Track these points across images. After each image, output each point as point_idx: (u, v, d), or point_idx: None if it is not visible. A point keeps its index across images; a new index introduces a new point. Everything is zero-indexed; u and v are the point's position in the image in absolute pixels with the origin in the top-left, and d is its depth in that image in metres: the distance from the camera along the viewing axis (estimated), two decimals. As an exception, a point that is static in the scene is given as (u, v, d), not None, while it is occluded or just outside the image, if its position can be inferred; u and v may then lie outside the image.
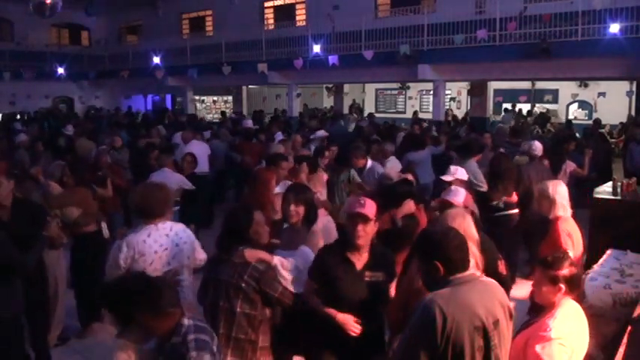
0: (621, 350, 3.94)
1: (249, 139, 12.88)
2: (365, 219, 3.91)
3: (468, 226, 4.04)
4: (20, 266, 4.79)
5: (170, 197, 4.93)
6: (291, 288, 4.09)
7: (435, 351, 2.93)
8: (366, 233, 3.96)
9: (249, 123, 14.92)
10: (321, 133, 11.83)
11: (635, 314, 4.32)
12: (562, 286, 3.43)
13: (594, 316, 4.48)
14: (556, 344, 3.24)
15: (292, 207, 4.66)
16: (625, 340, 4.05)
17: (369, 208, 3.97)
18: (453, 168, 5.05)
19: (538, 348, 3.25)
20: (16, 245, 4.70)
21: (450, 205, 4.53)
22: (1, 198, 5.08)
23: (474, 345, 2.94)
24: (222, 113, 26.79)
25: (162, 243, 4.49)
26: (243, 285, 3.90)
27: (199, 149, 10.92)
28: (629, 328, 4.19)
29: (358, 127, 16.44)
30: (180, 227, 4.70)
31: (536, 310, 3.61)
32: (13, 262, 4.70)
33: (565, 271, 3.44)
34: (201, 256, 4.76)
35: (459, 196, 4.72)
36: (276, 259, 4.10)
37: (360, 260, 4.01)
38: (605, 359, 4.13)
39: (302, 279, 4.15)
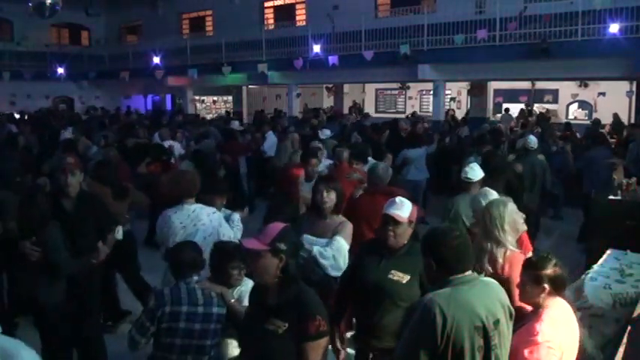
0: (621, 350, 3.94)
1: (235, 139, 13.21)
2: (395, 222, 4.06)
3: None
4: (63, 267, 4.92)
5: (192, 183, 5.37)
6: (331, 273, 4.70)
7: (435, 350, 2.93)
8: (397, 235, 4.07)
9: (236, 124, 15.13)
10: (328, 132, 11.92)
11: (635, 314, 4.31)
12: (546, 286, 3.42)
13: (594, 316, 4.49)
14: (544, 348, 3.24)
15: (324, 194, 4.98)
16: (625, 340, 4.05)
17: (401, 210, 4.10)
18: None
19: (526, 353, 3.24)
20: (74, 237, 4.96)
21: (393, 220, 4.08)
22: (69, 188, 5.35)
23: (475, 345, 2.94)
24: (227, 113, 26.89)
25: (182, 220, 5.10)
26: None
27: (176, 148, 11.42)
28: (629, 328, 4.18)
29: (342, 125, 16.58)
30: (204, 210, 5.22)
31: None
32: (58, 260, 4.84)
33: (549, 271, 3.44)
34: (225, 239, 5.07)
35: (403, 210, 4.10)
36: (316, 249, 4.66)
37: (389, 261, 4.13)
38: (605, 359, 4.13)
39: (339, 265, 4.71)
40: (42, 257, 4.83)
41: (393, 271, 4.01)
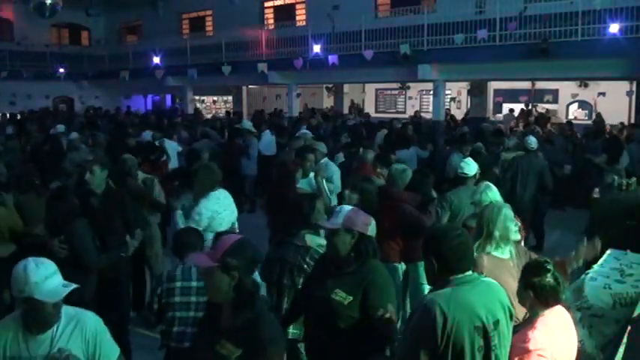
0: (621, 350, 3.94)
1: (234, 139, 13.34)
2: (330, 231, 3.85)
3: None
4: (91, 263, 5.03)
5: (211, 178, 6.07)
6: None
7: (435, 351, 2.94)
8: (333, 245, 3.80)
9: (248, 124, 14.90)
10: (305, 130, 12.03)
11: (635, 314, 4.32)
12: (530, 293, 3.38)
13: (594, 316, 4.49)
14: (534, 356, 3.22)
15: (347, 192, 5.48)
16: (625, 340, 4.05)
17: (335, 217, 3.83)
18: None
19: None
20: (102, 233, 5.11)
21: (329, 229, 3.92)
22: (95, 185, 5.60)
23: (475, 345, 2.95)
24: (227, 113, 26.93)
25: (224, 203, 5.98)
26: (305, 266, 4.44)
27: (169, 147, 11.38)
28: (629, 328, 4.19)
29: (334, 126, 16.72)
30: (226, 200, 6.04)
31: None
32: (86, 256, 4.91)
33: (536, 279, 3.37)
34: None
35: (337, 217, 3.84)
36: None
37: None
38: (604, 359, 4.13)
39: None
40: (70, 254, 4.92)
41: (337, 290, 3.70)
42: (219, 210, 5.90)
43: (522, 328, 3.38)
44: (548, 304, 3.40)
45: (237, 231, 6.10)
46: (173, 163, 11.05)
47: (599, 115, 17.98)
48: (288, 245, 4.59)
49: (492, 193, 5.36)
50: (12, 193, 6.63)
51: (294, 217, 4.74)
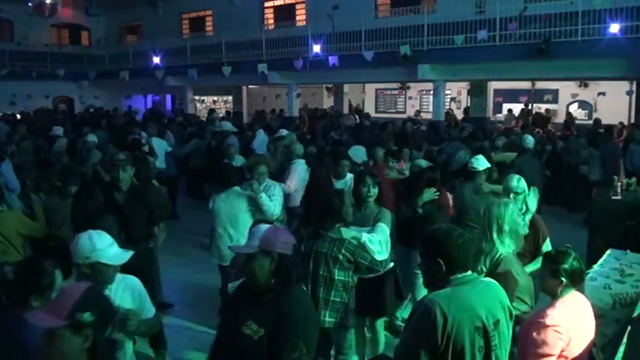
0: (621, 350, 3.94)
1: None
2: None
3: None
4: None
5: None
6: (378, 257, 4.89)
7: (435, 351, 2.93)
8: (249, 271, 3.39)
9: (229, 125, 14.87)
10: (284, 131, 12.09)
11: (635, 314, 4.32)
12: (563, 279, 3.59)
13: (594, 316, 4.49)
14: (551, 331, 3.38)
15: (371, 188, 5.52)
16: (625, 340, 4.05)
17: (251, 239, 3.50)
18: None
19: (534, 334, 3.41)
20: (127, 228, 5.19)
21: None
22: (121, 183, 5.75)
23: (475, 345, 2.95)
24: (227, 113, 26.95)
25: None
26: (341, 257, 4.70)
27: (157, 146, 11.57)
28: (629, 328, 4.19)
29: (323, 125, 16.87)
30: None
31: None
32: None
33: (566, 265, 3.60)
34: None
35: (253, 238, 3.52)
36: (365, 237, 4.93)
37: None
38: (604, 359, 4.13)
39: (384, 250, 5.02)
40: None
41: (249, 322, 3.30)
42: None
43: (543, 308, 3.57)
44: (577, 284, 3.67)
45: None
46: (160, 162, 11.12)
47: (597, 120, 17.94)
48: (323, 238, 4.79)
49: (523, 183, 5.65)
50: (37, 195, 6.71)
51: (326, 212, 4.89)
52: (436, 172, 6.76)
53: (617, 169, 11.68)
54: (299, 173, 8.61)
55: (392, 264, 5.17)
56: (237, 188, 6.79)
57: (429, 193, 6.36)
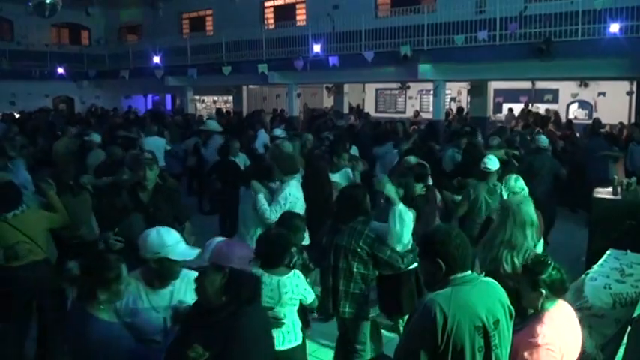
0: (621, 350, 3.94)
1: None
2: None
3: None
4: None
5: (292, 165, 6.78)
6: (405, 238, 5.00)
7: (435, 350, 2.94)
8: (199, 289, 3.28)
9: (213, 124, 14.86)
10: (279, 131, 12.11)
11: (635, 314, 4.32)
12: (543, 290, 3.43)
13: (594, 316, 4.49)
14: (544, 350, 3.26)
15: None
16: (625, 340, 4.05)
17: (205, 251, 3.61)
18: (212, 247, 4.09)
19: (526, 354, 3.26)
20: (151, 225, 5.22)
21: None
22: (147, 182, 5.84)
23: (475, 345, 2.95)
24: (227, 113, 26.98)
25: (300, 192, 6.66)
26: (359, 250, 4.86)
27: (154, 144, 11.66)
28: (629, 328, 4.19)
29: (316, 125, 17.28)
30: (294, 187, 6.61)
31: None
32: None
33: (545, 275, 3.45)
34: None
35: (206, 250, 3.79)
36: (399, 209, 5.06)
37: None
38: (604, 359, 4.13)
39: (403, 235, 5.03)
40: (126, 247, 5.10)
41: (195, 344, 3.06)
42: (298, 196, 6.56)
43: (529, 323, 3.40)
44: (559, 296, 3.50)
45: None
46: (159, 161, 11.13)
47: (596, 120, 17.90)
48: (343, 231, 4.96)
49: (521, 182, 5.81)
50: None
51: (348, 206, 5.06)
52: (425, 169, 6.97)
53: (605, 166, 11.82)
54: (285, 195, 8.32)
55: (416, 264, 5.02)
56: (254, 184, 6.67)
57: (418, 188, 6.54)
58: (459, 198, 7.72)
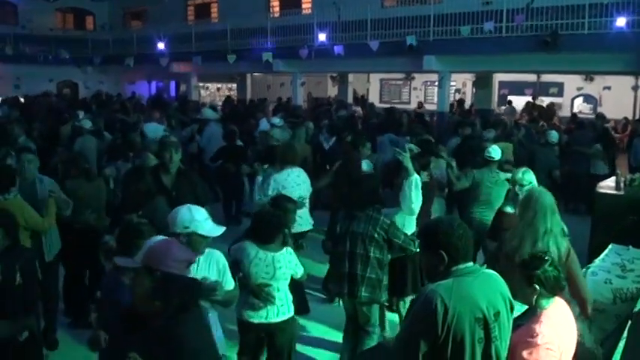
0: (621, 345, 3.94)
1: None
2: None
3: None
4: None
5: (288, 155, 7.35)
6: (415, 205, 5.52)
7: (435, 341, 2.94)
8: (133, 291, 3.06)
9: (209, 112, 14.77)
10: (277, 120, 12.13)
11: (636, 310, 4.31)
12: (536, 286, 3.38)
13: (595, 310, 4.48)
14: (543, 350, 3.22)
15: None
16: (625, 334, 4.05)
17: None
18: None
19: (525, 354, 3.22)
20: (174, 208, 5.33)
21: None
22: (171, 165, 5.92)
23: (475, 336, 2.95)
24: (227, 97, 27.07)
25: (293, 179, 7.16)
26: (376, 235, 5.14)
27: (153, 130, 11.52)
28: (630, 322, 4.18)
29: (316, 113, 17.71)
30: (300, 171, 7.35)
31: None
32: (165, 230, 5.03)
33: (540, 271, 3.39)
34: (311, 189, 7.46)
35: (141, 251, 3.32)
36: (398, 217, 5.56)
37: None
38: (604, 354, 4.13)
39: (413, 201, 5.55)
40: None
41: (132, 354, 2.76)
42: (286, 185, 7.01)
43: (527, 322, 3.38)
44: (554, 293, 3.44)
45: (306, 205, 7.16)
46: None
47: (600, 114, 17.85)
48: (359, 218, 5.22)
49: (530, 175, 5.81)
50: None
51: (362, 194, 5.34)
52: (426, 157, 7.26)
53: (586, 161, 12.07)
54: (269, 181, 8.08)
55: None
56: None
57: (422, 176, 6.66)
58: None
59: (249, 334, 4.95)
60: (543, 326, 3.29)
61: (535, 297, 3.40)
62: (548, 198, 4.53)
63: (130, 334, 2.84)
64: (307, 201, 7.28)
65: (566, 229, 4.69)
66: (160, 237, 3.19)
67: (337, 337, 6.20)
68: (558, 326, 3.33)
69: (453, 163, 8.13)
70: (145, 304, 2.86)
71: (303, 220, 7.14)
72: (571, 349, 3.41)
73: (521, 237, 4.42)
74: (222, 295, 3.94)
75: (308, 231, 7.51)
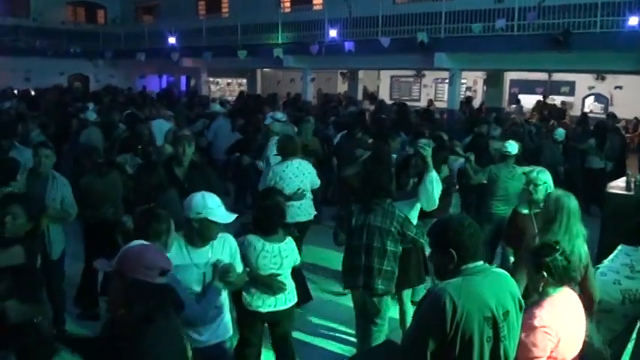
0: (630, 346, 3.93)
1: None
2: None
3: None
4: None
5: (288, 147, 7.37)
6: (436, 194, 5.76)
7: (443, 339, 2.94)
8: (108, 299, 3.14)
9: (217, 107, 15.21)
10: (280, 115, 12.18)
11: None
12: (545, 274, 3.44)
13: (603, 311, 4.47)
14: (540, 332, 3.28)
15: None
16: (634, 336, 4.04)
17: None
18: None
19: (523, 336, 3.28)
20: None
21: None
22: (184, 158, 6.08)
23: (484, 335, 2.95)
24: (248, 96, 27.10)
25: (292, 171, 7.19)
26: (392, 229, 5.26)
27: (159, 126, 11.72)
28: (639, 324, 4.17)
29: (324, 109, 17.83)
30: (302, 163, 7.38)
31: None
32: (178, 222, 5.07)
33: (549, 259, 3.45)
34: (318, 182, 7.57)
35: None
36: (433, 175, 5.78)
37: None
38: (612, 354, 4.12)
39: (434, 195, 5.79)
40: None
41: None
42: (283, 177, 7.12)
43: (530, 306, 3.42)
44: (562, 283, 3.49)
45: (304, 197, 7.22)
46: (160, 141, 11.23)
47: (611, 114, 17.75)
48: (376, 212, 5.32)
49: (545, 175, 5.79)
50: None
51: (377, 188, 5.44)
52: (444, 152, 7.68)
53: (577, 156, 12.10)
54: (268, 171, 8.37)
55: None
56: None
57: (445, 171, 7.14)
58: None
59: (257, 324, 5.04)
60: (543, 311, 3.36)
61: (542, 284, 3.47)
62: (574, 202, 4.60)
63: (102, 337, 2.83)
64: (308, 193, 7.38)
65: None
66: (138, 242, 3.19)
67: (343, 330, 6.33)
68: (561, 314, 3.37)
69: (472, 157, 8.29)
70: (113, 309, 2.82)
71: (301, 211, 7.24)
72: (574, 339, 3.43)
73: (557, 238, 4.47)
74: (234, 277, 4.14)
75: (308, 222, 7.50)
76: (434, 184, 5.70)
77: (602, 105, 24.44)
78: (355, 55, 20.52)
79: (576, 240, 4.44)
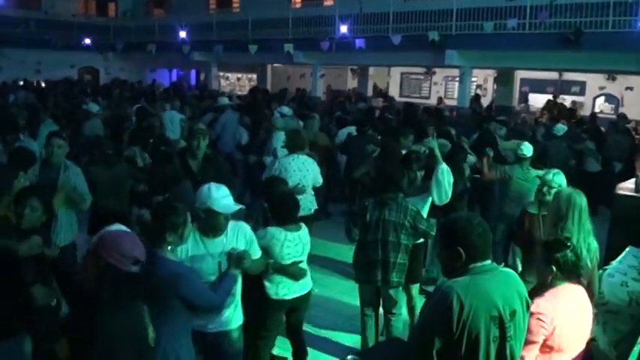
0: (636, 350, 3.91)
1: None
2: None
3: None
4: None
5: (295, 142, 7.58)
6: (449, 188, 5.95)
7: (450, 337, 2.93)
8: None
9: (225, 100, 15.05)
10: (286, 110, 12.20)
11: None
12: (553, 267, 3.56)
13: (609, 312, 4.46)
14: (534, 318, 3.38)
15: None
16: (641, 339, 4.02)
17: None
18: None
19: None
20: None
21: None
22: (198, 151, 6.23)
23: (490, 335, 2.95)
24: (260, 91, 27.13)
25: (297, 164, 7.40)
26: (406, 223, 5.44)
27: (170, 117, 12.07)
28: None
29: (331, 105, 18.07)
30: (308, 160, 7.55)
31: None
32: (194, 213, 5.14)
33: (559, 254, 3.58)
34: (320, 180, 7.73)
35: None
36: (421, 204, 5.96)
37: None
38: (618, 356, 4.11)
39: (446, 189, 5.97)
40: None
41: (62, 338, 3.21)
42: (287, 169, 7.31)
43: (532, 295, 3.50)
44: (569, 278, 3.61)
45: (304, 192, 7.32)
46: (175, 134, 11.31)
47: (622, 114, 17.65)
48: (390, 207, 5.48)
49: (560, 177, 5.87)
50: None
51: (389, 183, 5.59)
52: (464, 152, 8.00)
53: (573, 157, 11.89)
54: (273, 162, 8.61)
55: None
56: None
57: (467, 170, 7.54)
58: None
59: (279, 312, 5.18)
60: (542, 300, 3.47)
61: (550, 277, 3.59)
62: (584, 199, 4.74)
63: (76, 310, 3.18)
64: (309, 189, 7.54)
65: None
66: (117, 226, 3.40)
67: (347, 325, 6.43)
68: (562, 306, 3.45)
69: (491, 153, 8.39)
70: (88, 287, 3.09)
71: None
72: (577, 334, 3.47)
73: (571, 235, 4.56)
74: (249, 264, 4.21)
75: (307, 217, 7.45)
76: (445, 176, 5.87)
77: (613, 105, 24.28)
78: (365, 51, 20.51)
79: (589, 236, 4.58)
